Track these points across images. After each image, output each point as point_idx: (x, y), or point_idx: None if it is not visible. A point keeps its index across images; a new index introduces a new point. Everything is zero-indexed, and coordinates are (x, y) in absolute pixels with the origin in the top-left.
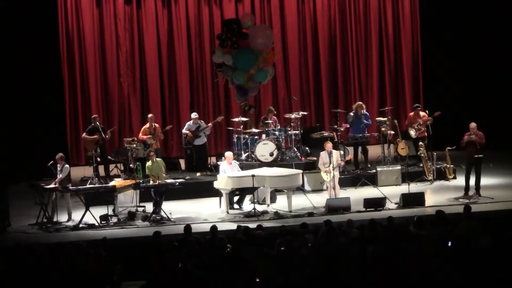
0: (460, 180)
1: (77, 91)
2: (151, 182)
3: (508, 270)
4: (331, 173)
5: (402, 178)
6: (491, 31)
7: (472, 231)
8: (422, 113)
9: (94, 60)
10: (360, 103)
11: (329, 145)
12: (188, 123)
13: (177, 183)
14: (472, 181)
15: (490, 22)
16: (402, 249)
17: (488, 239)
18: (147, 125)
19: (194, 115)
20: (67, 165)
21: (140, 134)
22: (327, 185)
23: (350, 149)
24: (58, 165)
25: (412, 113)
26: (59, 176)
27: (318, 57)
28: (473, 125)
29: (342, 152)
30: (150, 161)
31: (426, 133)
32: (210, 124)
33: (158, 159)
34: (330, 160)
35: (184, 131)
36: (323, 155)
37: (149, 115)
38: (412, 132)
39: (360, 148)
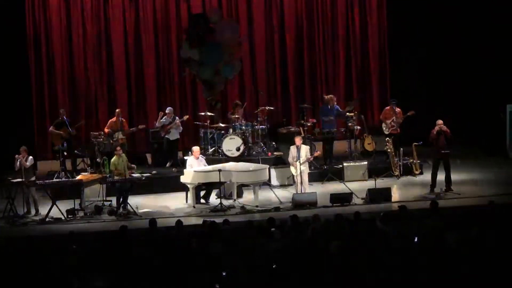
0: (427, 176)
1: (44, 86)
2: (116, 177)
3: (473, 267)
4: (298, 168)
5: (368, 174)
6: (458, 27)
7: (438, 227)
8: (398, 109)
9: (61, 54)
10: (331, 95)
11: (297, 139)
12: (164, 117)
13: (143, 178)
14: (439, 178)
15: (457, 18)
16: (368, 245)
17: (453, 235)
18: (114, 119)
19: (168, 109)
20: (31, 157)
21: (106, 128)
22: (295, 179)
23: (318, 144)
24: (20, 155)
25: (388, 107)
26: (26, 163)
27: (285, 52)
28: (440, 121)
29: (309, 147)
30: (116, 156)
31: (399, 130)
32: (177, 122)
33: (123, 154)
34: (299, 155)
35: (159, 122)
36: (293, 149)
37: (117, 110)
38: (385, 127)
39: (327, 143)
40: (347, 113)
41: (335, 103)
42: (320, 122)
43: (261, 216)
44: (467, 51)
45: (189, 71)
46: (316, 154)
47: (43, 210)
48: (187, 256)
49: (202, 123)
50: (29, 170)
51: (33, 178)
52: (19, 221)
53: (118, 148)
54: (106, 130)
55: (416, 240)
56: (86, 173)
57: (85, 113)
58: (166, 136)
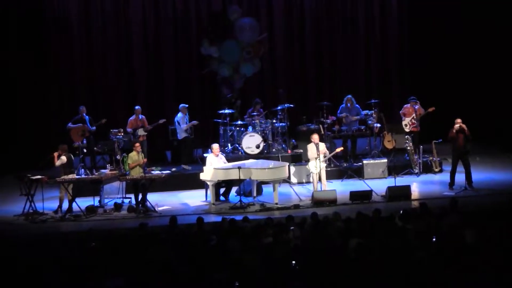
0: (446, 173)
1: (63, 83)
2: (132, 172)
3: (491, 264)
4: (318, 165)
5: (388, 171)
6: (478, 25)
7: (457, 225)
8: (417, 106)
9: (81, 52)
10: (350, 96)
11: (315, 136)
12: (183, 117)
13: (163, 175)
14: (459, 175)
15: (477, 15)
16: (388, 242)
17: (472, 232)
18: (134, 117)
19: (184, 106)
20: (63, 157)
21: (128, 127)
22: (314, 177)
23: (338, 142)
24: (57, 153)
25: (408, 105)
26: (56, 161)
27: (304, 49)
28: (458, 120)
29: (328, 144)
30: (134, 152)
31: (419, 127)
32: (194, 122)
33: (140, 153)
34: (318, 152)
35: (186, 126)
36: (311, 147)
37: (136, 107)
38: (405, 125)
39: (349, 141)
40: (366, 111)
41: (354, 102)
42: (339, 120)
43: (281, 213)
44: (487, 48)
45: (208, 69)
46: (338, 150)
47: (63, 207)
48: (206, 253)
49: (222, 120)
50: (58, 168)
51: (62, 177)
52: (38, 218)
53: (137, 144)
54: (129, 129)
55: (434, 239)
56: (106, 170)
57: (104, 110)
58: (187, 136)
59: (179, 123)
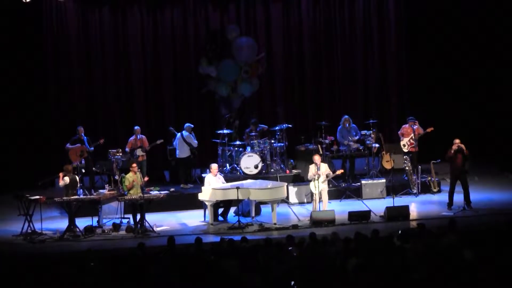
0: (445, 193)
1: (62, 103)
2: (129, 193)
3: (490, 283)
4: (318, 186)
5: (386, 191)
6: (476, 46)
7: (455, 245)
8: (415, 126)
9: (79, 72)
10: (347, 117)
11: (316, 157)
12: (192, 135)
13: (161, 195)
14: (457, 195)
15: (476, 38)
16: (386, 262)
17: (471, 252)
18: (133, 137)
19: (190, 125)
20: (66, 178)
21: (127, 147)
22: (314, 197)
23: (336, 162)
24: (62, 174)
25: (406, 125)
26: (60, 181)
27: (303, 69)
28: (457, 140)
29: (326, 164)
30: (131, 172)
31: (417, 148)
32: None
33: (138, 172)
34: (317, 173)
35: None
36: (312, 167)
37: (135, 127)
38: (404, 145)
39: (348, 161)
40: (365, 131)
41: (351, 122)
42: (337, 141)
43: (279, 233)
44: (486, 69)
45: (207, 88)
46: (338, 172)
47: (61, 227)
48: (205, 273)
49: (220, 140)
50: (62, 188)
51: (60, 198)
52: (37, 238)
53: (134, 164)
54: (127, 149)
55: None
56: (104, 190)
57: (103, 130)
58: (190, 155)
59: (187, 142)
